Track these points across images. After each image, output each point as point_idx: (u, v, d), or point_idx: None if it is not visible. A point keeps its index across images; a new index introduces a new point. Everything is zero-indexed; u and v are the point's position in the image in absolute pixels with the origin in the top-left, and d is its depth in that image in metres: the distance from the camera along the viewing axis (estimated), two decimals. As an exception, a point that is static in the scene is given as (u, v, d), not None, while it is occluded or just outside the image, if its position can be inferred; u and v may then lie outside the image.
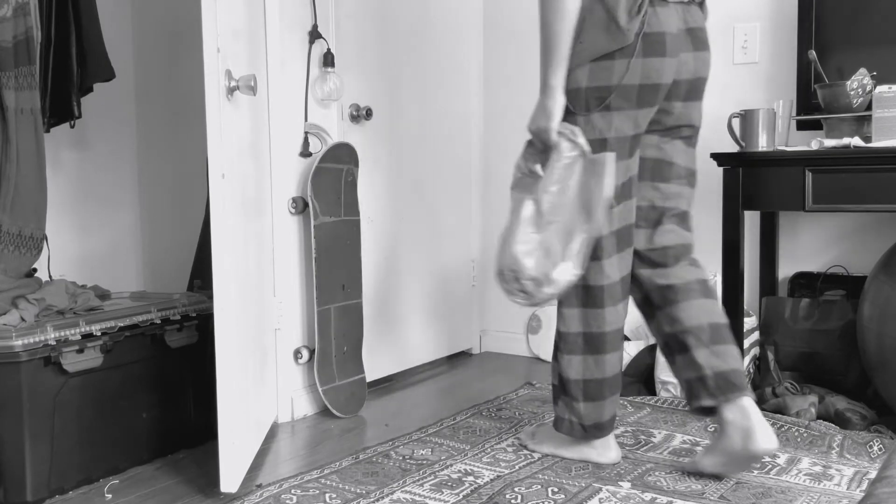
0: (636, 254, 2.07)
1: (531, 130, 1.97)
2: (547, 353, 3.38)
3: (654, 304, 2.06)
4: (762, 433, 1.88)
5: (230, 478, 1.88)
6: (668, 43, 1.87)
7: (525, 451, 2.21)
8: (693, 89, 1.99)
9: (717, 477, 1.99)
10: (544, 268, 1.88)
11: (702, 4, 2.00)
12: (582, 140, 1.91)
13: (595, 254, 1.97)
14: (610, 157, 1.89)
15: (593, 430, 2.07)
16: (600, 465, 2.09)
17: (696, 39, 1.95)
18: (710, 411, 1.98)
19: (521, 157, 2.03)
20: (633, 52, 1.84)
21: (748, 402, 1.91)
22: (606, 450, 2.10)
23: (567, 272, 1.88)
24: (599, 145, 1.92)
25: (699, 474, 1.99)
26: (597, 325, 2.01)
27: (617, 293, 2.01)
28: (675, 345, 2.02)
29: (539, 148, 1.98)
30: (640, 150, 2.02)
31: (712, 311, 2.00)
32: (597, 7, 1.86)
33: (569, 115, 1.93)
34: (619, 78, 1.87)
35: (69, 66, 2.44)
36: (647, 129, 2.00)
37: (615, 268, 2.01)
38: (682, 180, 2.06)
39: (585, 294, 2.01)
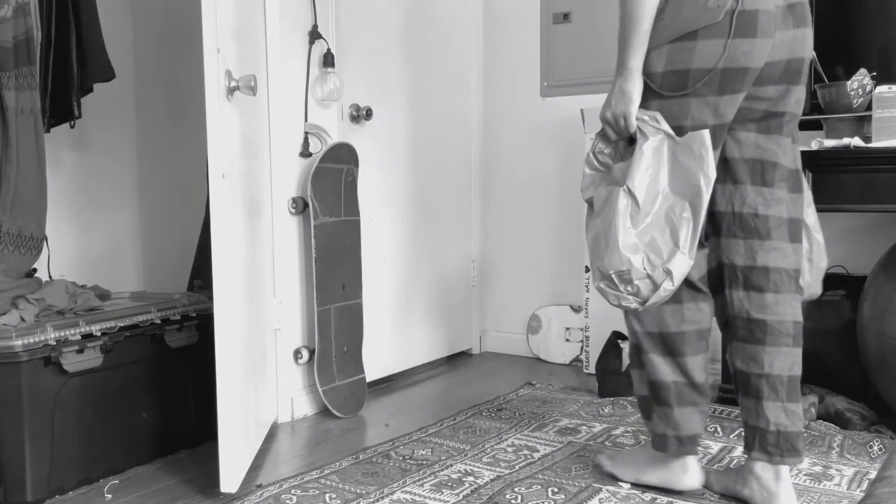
0: (733, 270, 1.84)
1: (605, 118, 1.80)
2: (547, 353, 3.38)
3: (737, 335, 1.84)
4: (786, 501, 1.78)
5: (230, 478, 1.88)
6: (762, 22, 1.66)
7: (524, 451, 2.21)
8: (791, 71, 1.76)
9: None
10: (655, 263, 1.71)
11: None
12: (664, 124, 1.74)
13: None
14: (706, 135, 1.71)
15: (689, 444, 1.87)
16: (684, 489, 1.90)
17: (797, 16, 1.74)
18: (748, 458, 1.84)
19: (592, 151, 1.87)
20: (721, 31, 1.65)
21: (786, 470, 1.80)
22: (684, 472, 1.89)
23: (683, 263, 1.71)
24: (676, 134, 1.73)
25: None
26: (674, 324, 1.83)
27: (688, 291, 1.84)
28: (744, 385, 1.83)
29: (613, 138, 1.82)
30: (738, 149, 1.81)
31: (795, 362, 1.81)
32: None
33: (645, 99, 1.76)
34: (701, 60, 1.67)
35: (69, 66, 2.44)
36: (741, 124, 1.80)
37: (695, 267, 1.80)
38: (784, 183, 1.82)
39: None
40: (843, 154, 2.30)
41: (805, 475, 2.00)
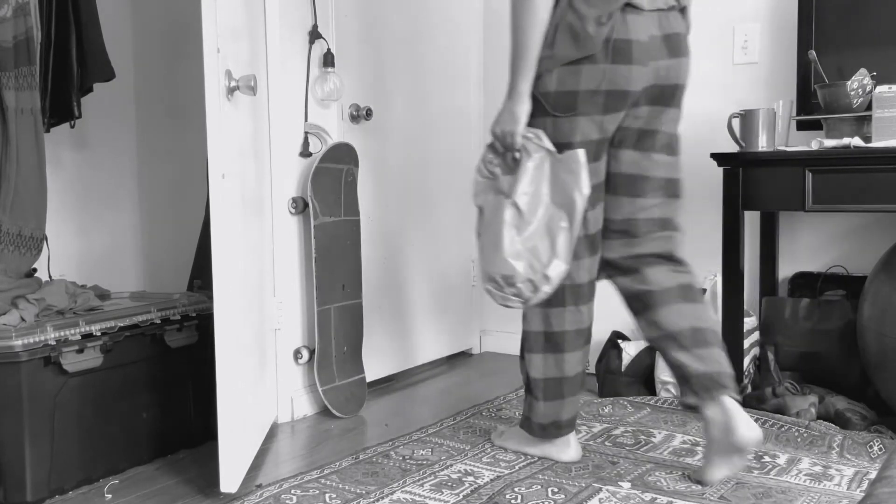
0: (612, 264, 2.10)
1: (495, 133, 1.99)
2: (547, 353, 3.38)
3: (635, 309, 2.09)
4: (743, 425, 1.89)
5: (230, 478, 1.88)
6: (636, 51, 1.88)
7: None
8: (667, 95, 1.98)
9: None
10: (535, 268, 1.92)
11: (683, 11, 2.00)
12: (547, 142, 1.94)
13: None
14: (581, 154, 1.91)
15: (551, 429, 2.11)
16: (564, 462, 2.13)
17: (673, 46, 1.95)
18: (696, 409, 2.00)
19: (482, 161, 2.05)
20: (600, 58, 1.87)
21: (729, 399, 1.92)
22: (566, 447, 2.14)
23: (559, 268, 1.92)
24: (565, 149, 1.93)
25: (709, 483, 1.96)
26: (557, 325, 2.05)
27: (581, 295, 2.05)
28: (659, 347, 2.07)
29: (500, 151, 2.01)
30: (616, 165, 2.03)
31: (693, 314, 2.01)
32: (568, 15, 1.88)
33: (535, 118, 1.95)
34: (586, 83, 1.89)
35: (69, 66, 2.44)
36: (621, 144, 2.01)
37: (584, 270, 2.04)
38: (659, 192, 2.04)
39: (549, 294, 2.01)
40: (843, 154, 2.30)
41: (805, 475, 2.01)
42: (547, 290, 1.93)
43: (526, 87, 1.93)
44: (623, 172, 2.03)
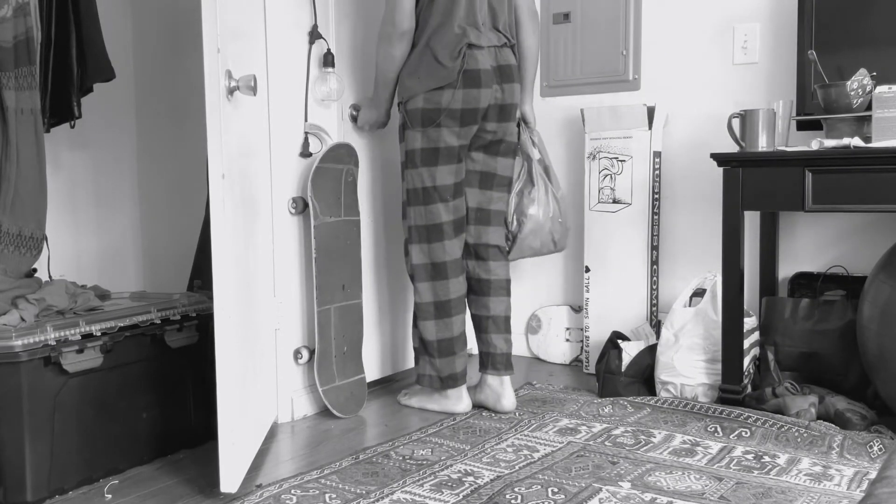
0: (466, 246, 2.64)
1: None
2: (547, 353, 3.39)
3: (473, 289, 2.66)
4: (507, 399, 2.59)
5: (230, 478, 1.88)
6: (483, 77, 2.44)
7: (524, 451, 2.22)
8: (503, 112, 2.53)
9: (716, 477, 1.99)
10: None
11: (513, 47, 2.55)
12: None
13: (437, 236, 2.53)
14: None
15: (449, 381, 2.57)
16: (455, 413, 2.57)
17: (505, 74, 2.50)
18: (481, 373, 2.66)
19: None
20: (457, 84, 2.41)
21: (507, 378, 2.63)
22: (459, 400, 2.59)
23: None
24: (433, 153, 2.48)
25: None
26: (443, 294, 2.54)
27: (457, 268, 2.57)
28: (478, 324, 2.67)
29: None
30: (471, 164, 2.61)
31: (508, 306, 2.67)
32: (426, 54, 2.43)
33: (409, 129, 2.49)
34: (447, 103, 2.43)
35: (69, 66, 2.44)
36: (475, 147, 2.58)
37: (456, 248, 2.57)
38: (504, 188, 2.66)
39: (433, 270, 2.54)
40: (843, 154, 2.30)
41: (805, 475, 2.01)
42: None
43: (384, 99, 2.64)
44: (477, 170, 2.62)
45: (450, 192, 2.52)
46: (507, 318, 2.66)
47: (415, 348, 2.64)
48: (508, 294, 2.67)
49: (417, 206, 2.53)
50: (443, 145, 2.47)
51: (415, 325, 2.61)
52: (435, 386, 2.58)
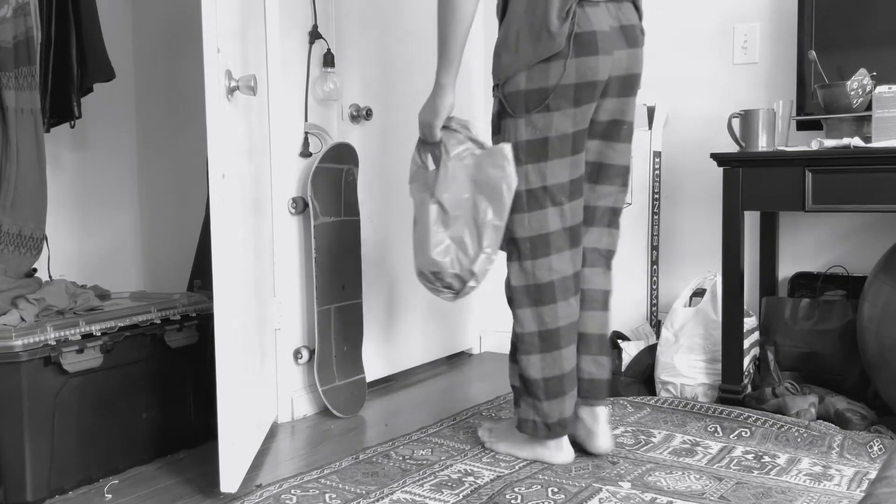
0: None
1: (420, 122, 2.08)
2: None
3: None
4: (603, 438, 2.13)
5: (230, 478, 1.88)
6: (601, 41, 1.93)
7: (525, 452, 2.21)
8: (627, 85, 2.04)
9: (716, 477, 1.99)
10: (463, 263, 2.02)
11: (635, 2, 2.05)
12: (474, 133, 2.03)
13: (544, 251, 2.02)
14: (507, 147, 1.98)
15: (557, 428, 2.08)
16: (552, 465, 2.11)
17: (630, 36, 2.00)
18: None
19: (416, 149, 2.12)
20: (567, 53, 1.91)
21: (602, 410, 2.14)
22: (559, 450, 2.12)
23: (487, 262, 2.01)
24: (541, 144, 1.98)
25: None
26: (551, 322, 2.04)
27: (569, 288, 2.06)
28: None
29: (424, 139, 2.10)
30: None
31: (605, 323, 2.17)
32: (523, 20, 1.94)
33: (510, 117, 2.00)
34: (556, 79, 1.92)
35: (69, 66, 2.44)
36: (590, 133, 2.05)
37: (567, 263, 2.05)
38: (618, 179, 2.14)
39: (537, 292, 2.04)
40: (843, 154, 2.30)
41: (805, 475, 2.01)
42: (473, 284, 2.04)
43: (448, 80, 2.02)
44: (589, 161, 2.10)
45: (565, 193, 2.01)
46: (603, 337, 2.17)
47: (513, 387, 2.16)
48: (605, 308, 2.17)
49: (520, 213, 2.02)
50: (554, 134, 1.96)
51: (514, 360, 2.12)
52: (541, 435, 2.09)
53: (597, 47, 1.92)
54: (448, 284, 2.04)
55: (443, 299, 2.11)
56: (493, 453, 2.20)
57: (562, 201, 2.01)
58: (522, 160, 2.00)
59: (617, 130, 2.07)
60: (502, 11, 2.03)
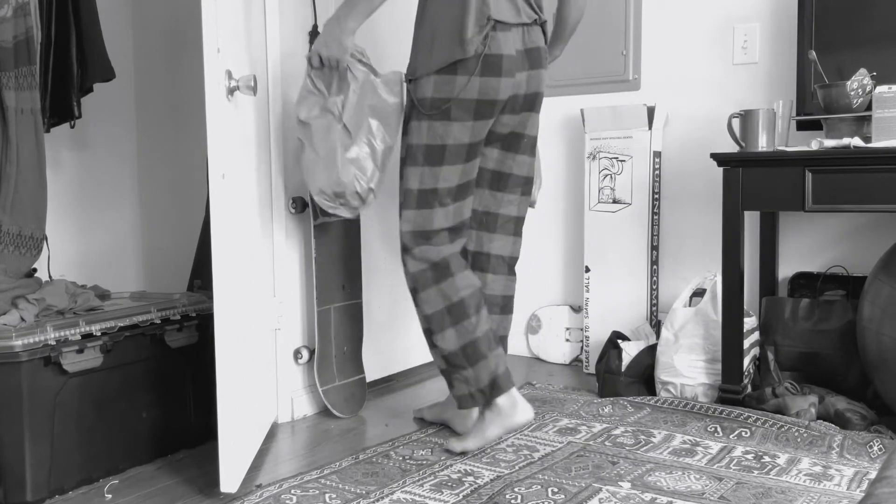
0: (465, 255, 2.29)
1: (322, 55, 2.17)
2: (546, 353, 3.39)
3: None
4: (522, 411, 2.17)
5: (230, 478, 1.89)
6: (505, 64, 2.07)
7: (524, 452, 2.21)
8: (527, 103, 2.19)
9: (716, 477, 1.99)
10: (362, 182, 2.24)
11: (543, 25, 2.20)
12: (367, 58, 2.28)
13: (431, 241, 2.18)
14: (399, 73, 2.25)
15: (493, 390, 2.13)
16: (522, 425, 2.15)
17: (533, 59, 2.15)
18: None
19: (309, 75, 2.24)
20: (473, 70, 2.04)
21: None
22: (514, 409, 2.14)
23: (381, 181, 2.28)
24: (439, 151, 2.12)
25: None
26: (454, 294, 2.15)
27: (460, 262, 2.19)
28: None
29: (322, 69, 2.22)
30: (483, 161, 2.26)
31: (502, 325, 2.34)
32: (446, 19, 2.05)
33: (412, 121, 2.15)
34: (458, 91, 2.06)
35: (69, 66, 2.44)
36: (489, 142, 2.23)
37: (452, 247, 2.20)
38: (518, 189, 2.30)
39: (434, 272, 2.17)
40: (843, 154, 2.30)
41: (805, 475, 2.01)
42: (371, 199, 2.28)
43: (355, 26, 2.14)
44: (489, 168, 2.28)
45: (451, 196, 2.17)
46: (504, 338, 2.35)
47: (441, 371, 2.23)
48: (503, 311, 2.33)
49: (408, 209, 2.18)
50: (451, 142, 2.11)
51: (433, 346, 2.20)
52: (480, 402, 2.15)
53: (500, 69, 2.07)
54: (346, 202, 2.25)
55: (341, 216, 2.32)
56: (493, 453, 2.20)
57: (447, 203, 2.17)
58: (420, 161, 2.14)
59: (517, 142, 2.25)
60: (421, 10, 2.14)
